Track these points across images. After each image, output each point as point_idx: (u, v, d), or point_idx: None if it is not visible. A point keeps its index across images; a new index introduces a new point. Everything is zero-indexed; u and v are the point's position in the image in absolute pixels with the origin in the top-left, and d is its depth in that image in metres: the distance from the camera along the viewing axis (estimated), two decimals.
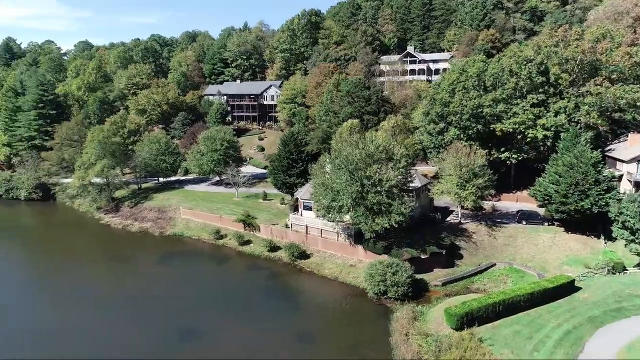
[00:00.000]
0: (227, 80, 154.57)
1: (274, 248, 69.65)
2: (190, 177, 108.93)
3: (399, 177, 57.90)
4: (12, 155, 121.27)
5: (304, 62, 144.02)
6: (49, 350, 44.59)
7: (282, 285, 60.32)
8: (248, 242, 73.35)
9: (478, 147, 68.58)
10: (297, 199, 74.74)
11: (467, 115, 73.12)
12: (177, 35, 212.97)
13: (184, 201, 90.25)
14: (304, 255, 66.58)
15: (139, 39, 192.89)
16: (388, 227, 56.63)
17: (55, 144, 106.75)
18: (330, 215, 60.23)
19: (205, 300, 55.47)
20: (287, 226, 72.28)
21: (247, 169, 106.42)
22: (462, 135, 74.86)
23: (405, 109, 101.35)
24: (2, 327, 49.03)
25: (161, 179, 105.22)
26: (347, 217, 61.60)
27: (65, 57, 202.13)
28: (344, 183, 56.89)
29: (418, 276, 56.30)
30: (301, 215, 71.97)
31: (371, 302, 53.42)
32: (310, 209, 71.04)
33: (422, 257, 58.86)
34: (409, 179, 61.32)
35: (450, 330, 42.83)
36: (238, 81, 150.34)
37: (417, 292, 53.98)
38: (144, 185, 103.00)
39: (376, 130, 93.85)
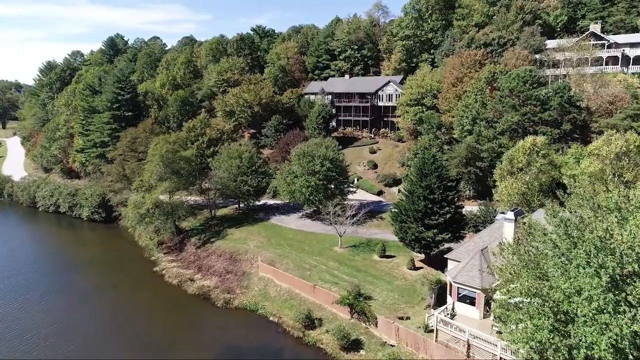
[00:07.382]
0: (333, 76, 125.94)
1: None
2: (279, 201, 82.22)
3: None
4: (86, 163, 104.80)
5: (432, 51, 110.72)
6: None
7: None
8: (356, 345, 43.33)
9: None
10: (443, 271, 43.31)
11: None
12: (284, 31, 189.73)
13: (266, 245, 63.34)
14: None
15: (241, 33, 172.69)
16: None
17: (117, 155, 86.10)
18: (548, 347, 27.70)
19: None
20: (426, 329, 40.89)
21: (356, 196, 77.03)
22: None
23: (609, 117, 64.30)
24: None
25: (242, 204, 79.98)
26: None
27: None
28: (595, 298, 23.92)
29: None
30: (453, 312, 40.15)
31: None
32: (472, 302, 39.15)
33: None
34: None
35: None
36: (346, 76, 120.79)
37: None
38: (220, 212, 78.48)
39: (558, 152, 58.77)
